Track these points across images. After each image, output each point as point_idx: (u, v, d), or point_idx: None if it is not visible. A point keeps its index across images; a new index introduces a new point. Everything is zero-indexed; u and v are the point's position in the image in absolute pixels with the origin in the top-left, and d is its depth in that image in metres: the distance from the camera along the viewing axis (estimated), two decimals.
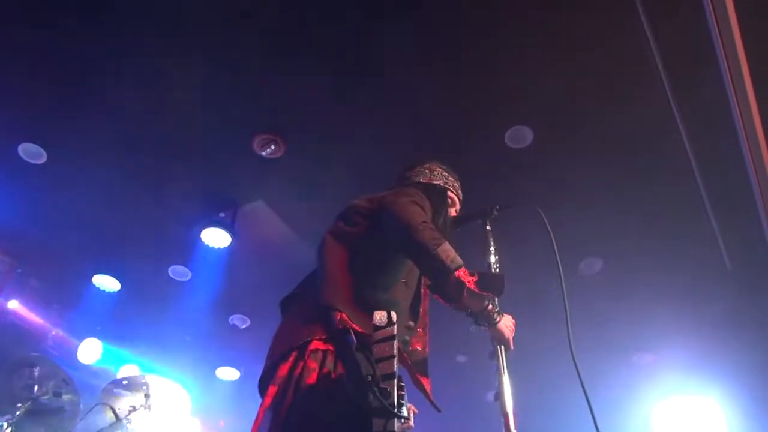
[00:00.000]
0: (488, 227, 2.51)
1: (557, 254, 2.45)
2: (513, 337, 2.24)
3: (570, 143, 4.73)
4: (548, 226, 2.48)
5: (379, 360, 1.71)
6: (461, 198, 2.80)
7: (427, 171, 2.72)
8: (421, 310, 2.36)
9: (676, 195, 5.00)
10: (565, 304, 2.35)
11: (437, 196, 2.62)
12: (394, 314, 1.77)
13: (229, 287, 6.35)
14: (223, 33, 4.15)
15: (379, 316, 1.76)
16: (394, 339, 1.72)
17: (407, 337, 2.24)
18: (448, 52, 4.18)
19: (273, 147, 4.89)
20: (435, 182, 2.68)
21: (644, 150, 4.69)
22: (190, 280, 6.37)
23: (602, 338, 6.24)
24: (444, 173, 2.74)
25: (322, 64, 4.30)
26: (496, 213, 2.57)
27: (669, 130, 4.43)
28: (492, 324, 2.11)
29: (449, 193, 2.71)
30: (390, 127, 4.69)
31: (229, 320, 7.02)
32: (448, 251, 2.11)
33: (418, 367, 2.30)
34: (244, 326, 7.07)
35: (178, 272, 6.38)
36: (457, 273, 2.10)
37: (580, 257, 5.70)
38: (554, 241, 2.46)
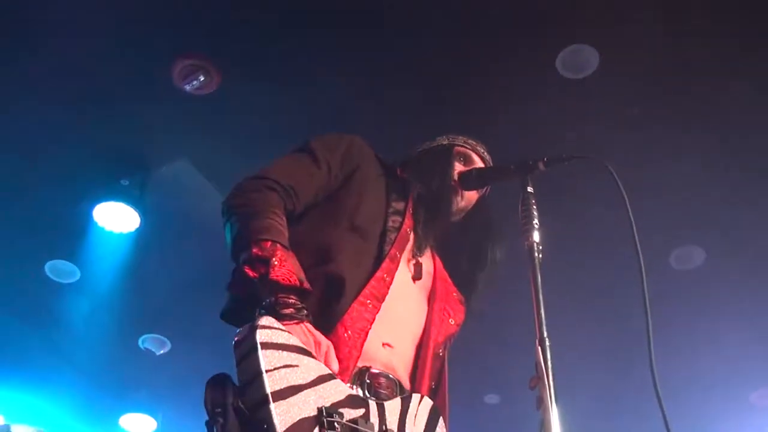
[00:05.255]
0: (529, 189, 2.45)
1: (635, 233, 2.39)
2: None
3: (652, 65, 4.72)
4: (621, 188, 2.41)
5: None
6: (486, 159, 2.85)
7: (428, 142, 2.95)
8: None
9: None
10: (647, 314, 2.29)
11: (435, 154, 2.80)
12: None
13: (139, 292, 6.36)
14: None
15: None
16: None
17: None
18: None
19: (202, 78, 4.90)
20: (434, 145, 2.89)
21: None
22: (78, 281, 6.40)
23: (704, 366, 6.25)
24: (450, 135, 2.91)
25: None
26: (542, 168, 2.51)
27: None
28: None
29: (458, 148, 2.83)
30: (384, 51, 4.72)
31: (140, 343, 7.06)
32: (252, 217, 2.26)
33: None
34: (162, 351, 7.10)
35: (60, 270, 6.37)
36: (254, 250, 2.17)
37: (671, 244, 5.74)
38: (630, 212, 2.40)
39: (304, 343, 2.03)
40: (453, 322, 2.60)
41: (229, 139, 5.29)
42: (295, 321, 2.09)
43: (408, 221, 2.54)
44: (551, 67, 4.76)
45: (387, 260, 2.39)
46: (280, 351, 1.92)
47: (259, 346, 1.87)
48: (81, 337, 6.79)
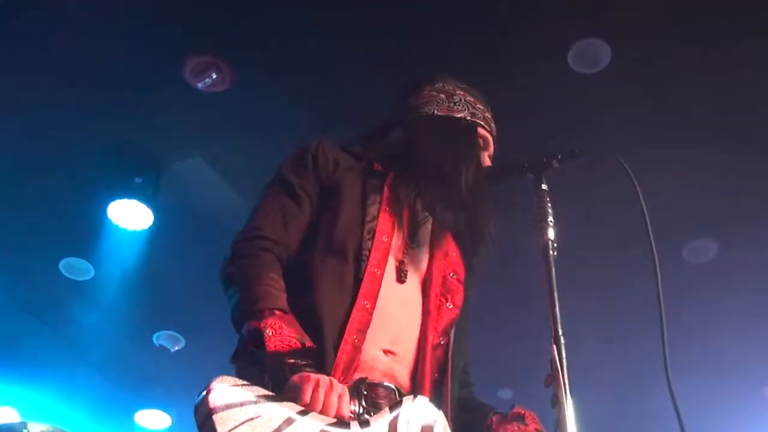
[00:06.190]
0: (544, 186, 2.41)
1: (649, 227, 2.38)
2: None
3: (669, 66, 4.71)
4: (635, 182, 2.39)
5: None
6: (495, 134, 2.74)
7: (443, 96, 2.70)
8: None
9: None
10: (660, 309, 2.28)
11: (464, 138, 2.60)
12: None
13: (153, 290, 6.38)
14: None
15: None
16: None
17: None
18: None
19: (214, 75, 4.93)
20: (457, 115, 2.66)
21: None
22: (92, 279, 6.42)
23: (717, 360, 6.23)
24: (468, 98, 2.73)
25: None
26: (556, 165, 2.44)
27: None
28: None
29: (480, 130, 2.68)
30: (395, 47, 4.72)
31: (154, 339, 7.09)
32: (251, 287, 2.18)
33: None
34: (177, 348, 7.13)
35: (75, 268, 6.40)
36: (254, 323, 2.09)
37: (684, 238, 5.73)
38: (644, 206, 2.38)
39: (307, 392, 1.95)
40: (451, 306, 2.50)
41: (241, 137, 5.31)
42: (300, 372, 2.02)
43: (386, 222, 2.42)
44: (563, 62, 4.75)
45: (366, 283, 2.28)
46: (236, 408, 1.85)
47: (212, 411, 1.82)
48: (96, 334, 6.80)
